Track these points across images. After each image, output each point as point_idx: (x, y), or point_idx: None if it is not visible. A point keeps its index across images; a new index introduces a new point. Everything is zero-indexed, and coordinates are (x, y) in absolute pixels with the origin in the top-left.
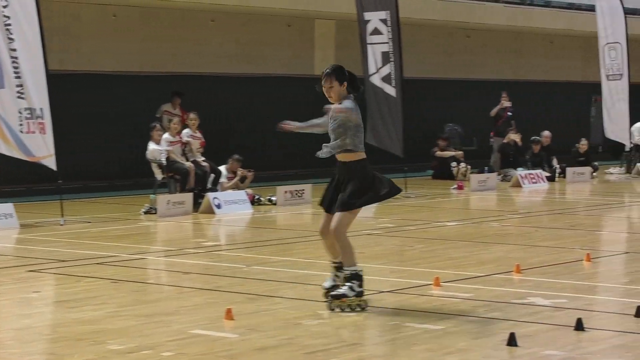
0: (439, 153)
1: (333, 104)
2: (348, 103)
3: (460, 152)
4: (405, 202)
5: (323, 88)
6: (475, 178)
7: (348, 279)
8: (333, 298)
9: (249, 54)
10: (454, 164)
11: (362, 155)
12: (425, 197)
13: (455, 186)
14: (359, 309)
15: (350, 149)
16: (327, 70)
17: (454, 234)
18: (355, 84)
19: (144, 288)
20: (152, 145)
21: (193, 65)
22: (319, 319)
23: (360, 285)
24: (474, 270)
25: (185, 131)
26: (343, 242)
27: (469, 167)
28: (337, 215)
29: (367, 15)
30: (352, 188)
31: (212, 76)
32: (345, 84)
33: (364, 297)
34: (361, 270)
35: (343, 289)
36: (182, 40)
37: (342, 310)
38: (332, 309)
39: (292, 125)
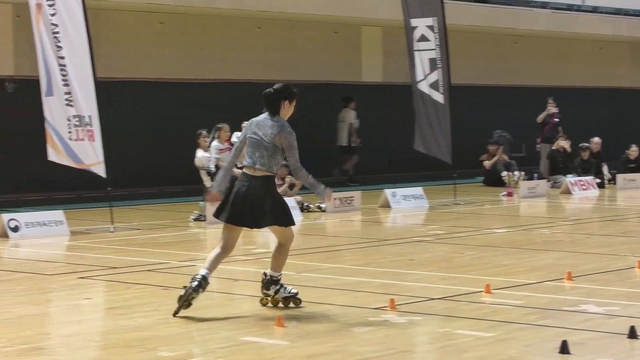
0: (486, 163)
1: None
2: None
3: (513, 162)
4: (454, 209)
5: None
6: (524, 185)
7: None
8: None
9: (295, 61)
10: (504, 173)
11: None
12: (474, 204)
13: (505, 193)
14: None
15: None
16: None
17: (504, 241)
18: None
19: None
20: (200, 153)
21: (239, 72)
22: (369, 325)
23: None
24: (524, 277)
25: (235, 137)
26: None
27: (522, 173)
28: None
29: (414, 22)
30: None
31: (258, 83)
32: None
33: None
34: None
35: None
36: (228, 47)
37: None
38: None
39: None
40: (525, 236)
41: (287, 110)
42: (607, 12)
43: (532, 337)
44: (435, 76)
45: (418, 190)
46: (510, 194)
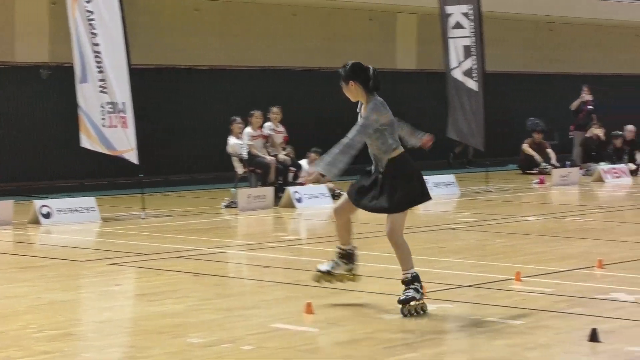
0: (526, 149)
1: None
2: (370, 104)
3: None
4: (486, 196)
5: None
6: (557, 172)
7: (409, 282)
8: (402, 303)
9: (330, 48)
10: (544, 164)
11: (401, 150)
12: (506, 192)
13: (537, 180)
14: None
15: (394, 147)
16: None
17: (536, 229)
18: (372, 82)
19: (225, 282)
20: (232, 140)
21: (274, 59)
22: (399, 313)
23: (422, 287)
24: (555, 265)
25: (267, 124)
26: (400, 244)
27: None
28: (390, 218)
29: (449, 9)
30: (398, 187)
31: (293, 70)
32: (355, 82)
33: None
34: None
35: (410, 293)
36: (263, 34)
37: (415, 314)
38: (405, 315)
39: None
40: (557, 224)
41: None
42: None
43: (562, 325)
44: (469, 63)
45: (450, 177)
46: (542, 182)
